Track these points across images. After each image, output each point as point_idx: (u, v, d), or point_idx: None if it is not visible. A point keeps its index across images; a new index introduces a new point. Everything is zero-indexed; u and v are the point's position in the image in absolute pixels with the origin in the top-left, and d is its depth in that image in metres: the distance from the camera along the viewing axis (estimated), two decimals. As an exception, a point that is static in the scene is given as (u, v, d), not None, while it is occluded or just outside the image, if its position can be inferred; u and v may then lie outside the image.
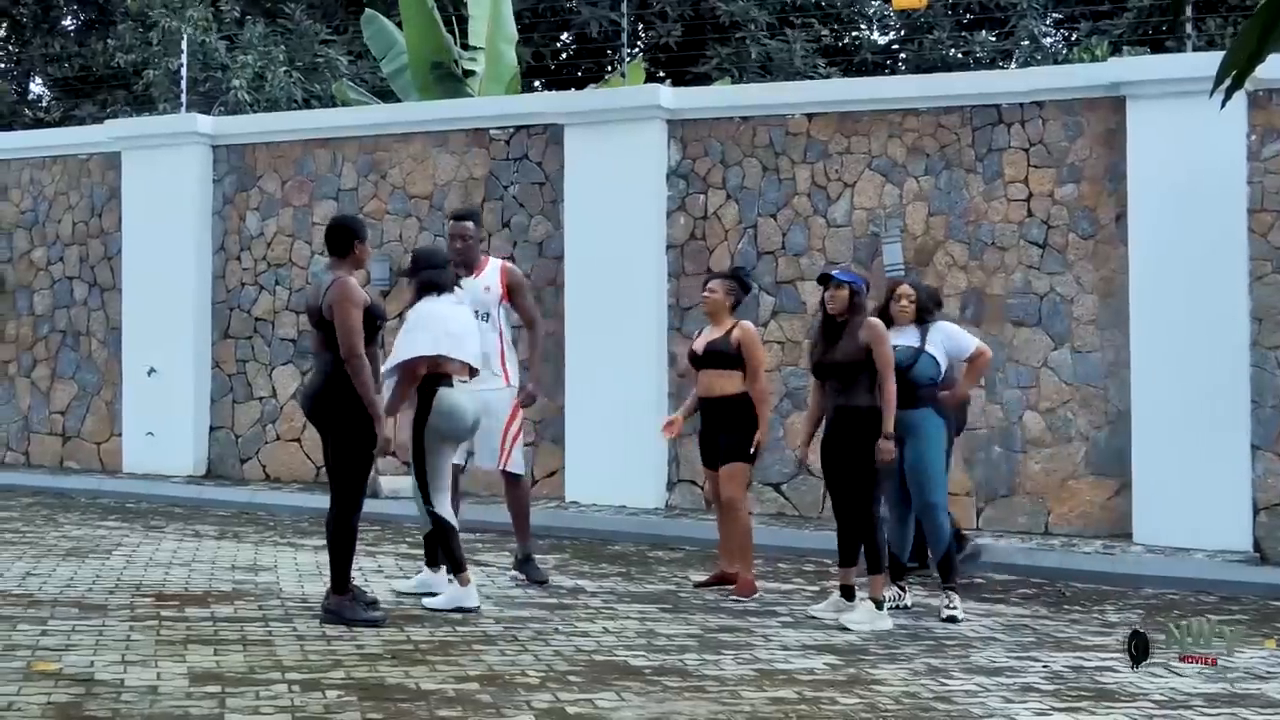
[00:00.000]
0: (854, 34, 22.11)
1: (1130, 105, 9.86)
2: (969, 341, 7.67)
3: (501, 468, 7.75)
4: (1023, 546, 9.48)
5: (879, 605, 6.99)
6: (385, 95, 17.89)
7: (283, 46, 19.35)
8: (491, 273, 7.81)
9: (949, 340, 7.55)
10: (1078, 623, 7.45)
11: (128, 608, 6.79)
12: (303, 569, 8.20)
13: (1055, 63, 18.46)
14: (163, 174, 13.12)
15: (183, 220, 13.03)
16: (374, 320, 6.55)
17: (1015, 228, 10.27)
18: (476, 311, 7.64)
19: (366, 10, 17.52)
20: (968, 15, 21.08)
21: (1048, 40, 20.44)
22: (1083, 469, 9.97)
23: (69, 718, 4.79)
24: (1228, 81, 3.36)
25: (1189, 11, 12.77)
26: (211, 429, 13.01)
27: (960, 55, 20.20)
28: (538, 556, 8.17)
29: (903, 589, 7.51)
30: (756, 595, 7.64)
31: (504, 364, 7.75)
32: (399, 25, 16.60)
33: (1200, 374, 9.47)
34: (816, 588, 8.09)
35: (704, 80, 18.61)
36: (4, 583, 7.39)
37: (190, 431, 12.88)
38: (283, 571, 8.09)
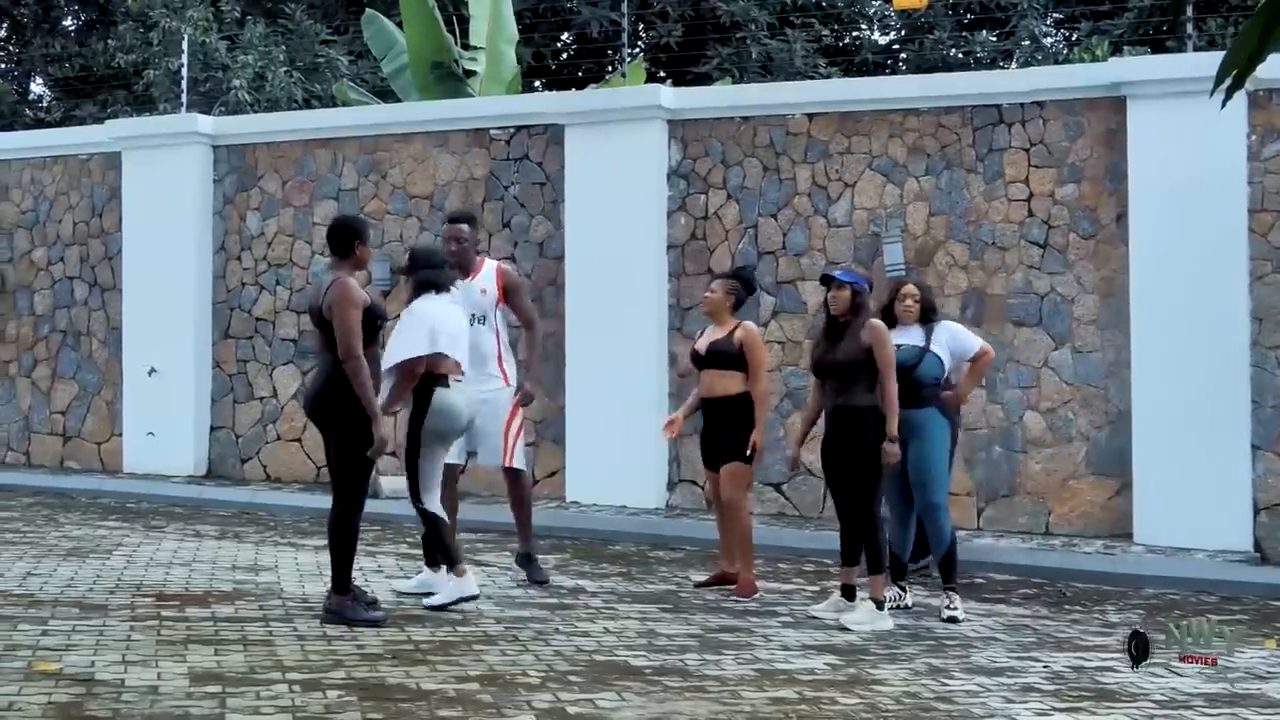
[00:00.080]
0: (854, 34, 22.12)
1: (1131, 105, 9.86)
2: (973, 341, 7.68)
3: (506, 464, 7.76)
4: (1023, 546, 9.48)
5: (879, 605, 6.98)
6: (386, 95, 17.90)
7: (283, 46, 19.35)
8: (488, 275, 7.82)
9: (954, 340, 7.56)
10: (1078, 623, 7.44)
11: (128, 608, 6.79)
12: (303, 569, 8.20)
13: (1056, 63, 18.47)
14: (163, 174, 13.12)
15: (183, 220, 13.03)
16: (374, 320, 6.55)
17: (1016, 228, 10.27)
18: (473, 315, 7.65)
19: (367, 10, 17.53)
20: (968, 15, 21.08)
21: (1048, 40, 20.44)
22: (1083, 469, 9.97)
23: (70, 717, 4.79)
24: (1228, 81, 3.36)
25: (1189, 11, 12.78)
26: (212, 429, 13.02)
27: (961, 55, 20.20)
28: (539, 556, 8.17)
29: (903, 589, 7.51)
30: (757, 595, 7.64)
31: (502, 365, 7.78)
32: (399, 25, 16.60)
33: (1201, 374, 9.47)
34: (817, 588, 8.08)
35: (704, 80, 18.62)
36: (5, 583, 7.39)
37: (191, 431, 12.88)
38: (283, 571, 8.09)
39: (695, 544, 9.46)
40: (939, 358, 7.41)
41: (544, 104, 12.47)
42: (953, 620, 7.18)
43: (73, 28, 24.06)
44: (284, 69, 18.70)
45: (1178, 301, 9.55)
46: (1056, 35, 21.04)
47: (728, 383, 7.64)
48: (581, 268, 11.33)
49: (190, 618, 6.59)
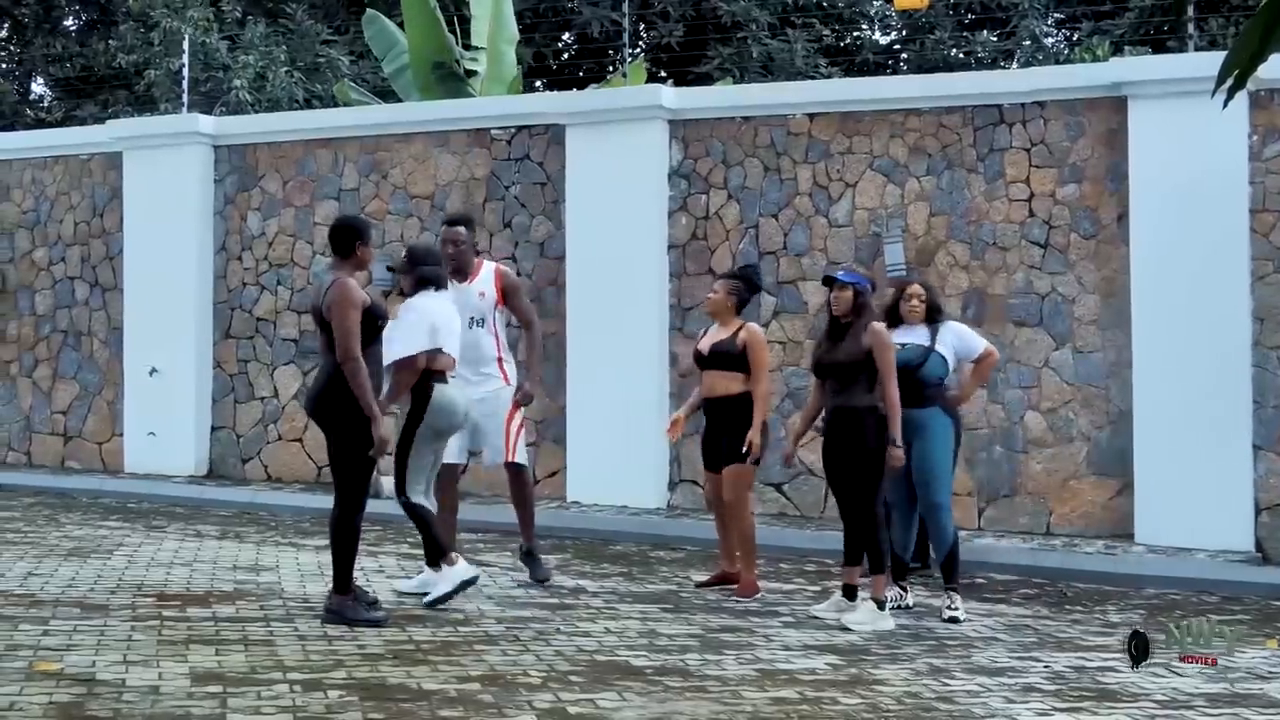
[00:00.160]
0: (855, 34, 22.14)
1: (1132, 105, 9.86)
2: (978, 342, 7.70)
3: (509, 460, 7.78)
4: (1024, 547, 9.48)
5: (881, 605, 6.98)
6: (386, 95, 17.91)
7: (284, 47, 19.37)
8: (486, 277, 7.82)
9: (959, 340, 7.57)
10: (1079, 623, 7.44)
11: (129, 608, 6.79)
12: (304, 569, 8.20)
13: (1057, 63, 18.48)
14: (164, 174, 13.12)
15: (184, 220, 13.03)
16: (375, 320, 6.55)
17: (1017, 228, 10.27)
18: (471, 318, 7.67)
19: (368, 10, 17.54)
20: (969, 15, 21.10)
21: (1049, 40, 20.46)
22: (1084, 469, 9.97)
23: (71, 717, 4.79)
24: (1230, 81, 3.36)
25: (1190, 11, 12.78)
26: (213, 429, 13.02)
27: (962, 55, 20.21)
28: (541, 556, 8.16)
29: (904, 589, 7.51)
30: (758, 595, 7.64)
31: (502, 365, 7.80)
32: (400, 25, 16.60)
33: (1202, 374, 9.47)
34: (818, 588, 8.08)
35: (705, 80, 18.63)
36: (6, 583, 7.39)
37: (192, 431, 12.89)
38: (284, 571, 8.09)
39: (696, 544, 9.46)
40: (944, 358, 7.42)
41: (545, 104, 12.47)
42: (954, 620, 7.18)
43: (74, 28, 24.08)
44: (285, 69, 18.72)
45: (1179, 302, 9.55)
46: (1057, 35, 21.05)
47: (730, 383, 7.63)
48: (582, 268, 11.33)
49: (191, 618, 6.59)
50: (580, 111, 11.69)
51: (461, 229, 7.86)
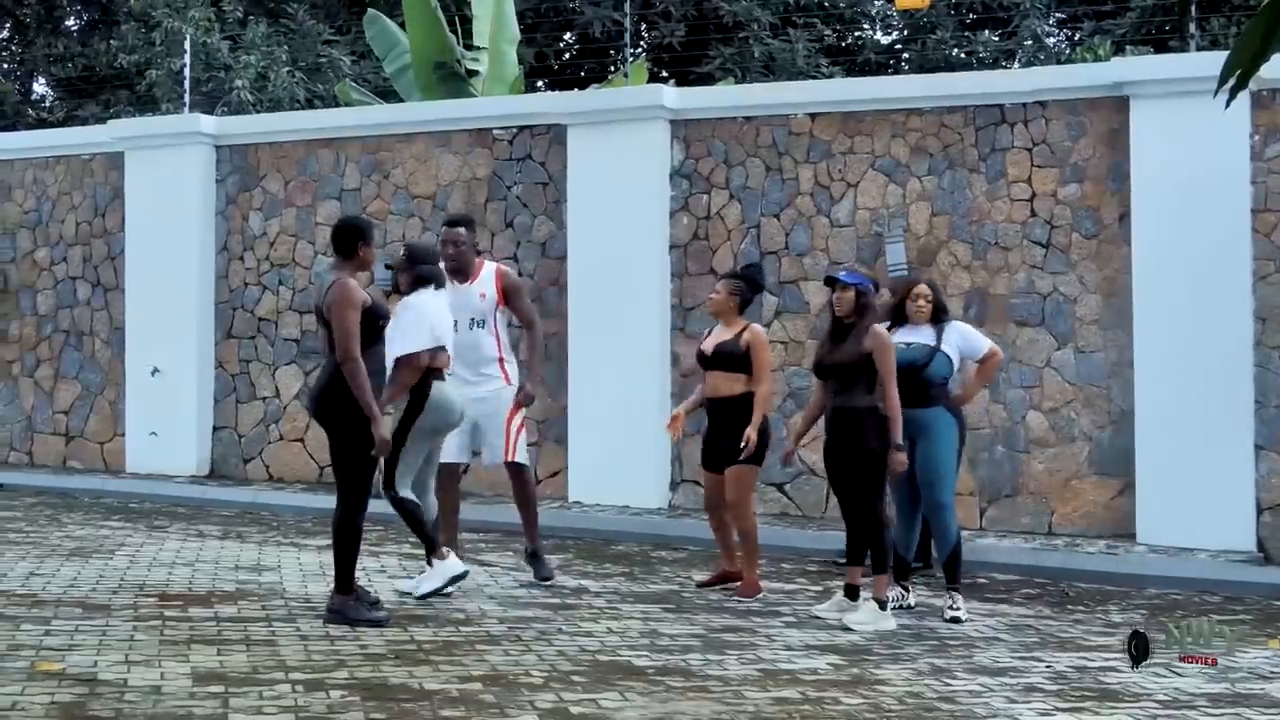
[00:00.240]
0: (857, 34, 22.13)
1: (1133, 105, 9.85)
2: (983, 342, 7.71)
3: (509, 459, 7.77)
4: (1026, 546, 9.48)
5: (882, 605, 6.98)
6: (388, 95, 17.91)
7: (285, 47, 19.37)
8: (487, 279, 7.81)
9: (964, 340, 7.57)
10: (1081, 623, 7.44)
11: (131, 608, 6.79)
12: (306, 569, 8.20)
13: (1058, 62, 18.47)
14: (166, 174, 13.12)
15: (186, 220, 13.03)
16: (376, 320, 6.55)
17: (1018, 227, 10.26)
18: (471, 319, 7.67)
19: (369, 10, 17.54)
20: (971, 15, 21.10)
21: (1051, 40, 20.45)
22: (1086, 469, 9.96)
23: (73, 717, 4.80)
24: (1232, 81, 3.35)
25: (1192, 11, 12.76)
26: (215, 429, 13.02)
27: (963, 55, 20.20)
28: (545, 556, 8.14)
29: (906, 589, 7.51)
30: (760, 595, 7.63)
31: (503, 366, 7.80)
32: (402, 25, 16.60)
33: (1204, 374, 9.47)
34: (820, 588, 8.08)
35: (707, 80, 18.62)
36: (8, 583, 7.39)
37: (193, 431, 12.89)
38: (286, 571, 8.10)
39: (698, 544, 9.46)
40: (949, 358, 7.42)
41: (546, 104, 12.47)
42: (956, 620, 7.18)
43: (75, 28, 24.08)
44: (286, 69, 18.72)
45: (1180, 301, 9.55)
46: (1059, 35, 21.04)
47: (733, 384, 7.61)
48: (584, 268, 11.33)
49: (193, 618, 6.59)
50: (582, 111, 11.69)
51: (462, 229, 7.86)
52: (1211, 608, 8.07)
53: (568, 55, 23.13)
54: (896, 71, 20.45)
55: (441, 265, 7.60)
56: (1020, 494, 10.13)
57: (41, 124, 22.25)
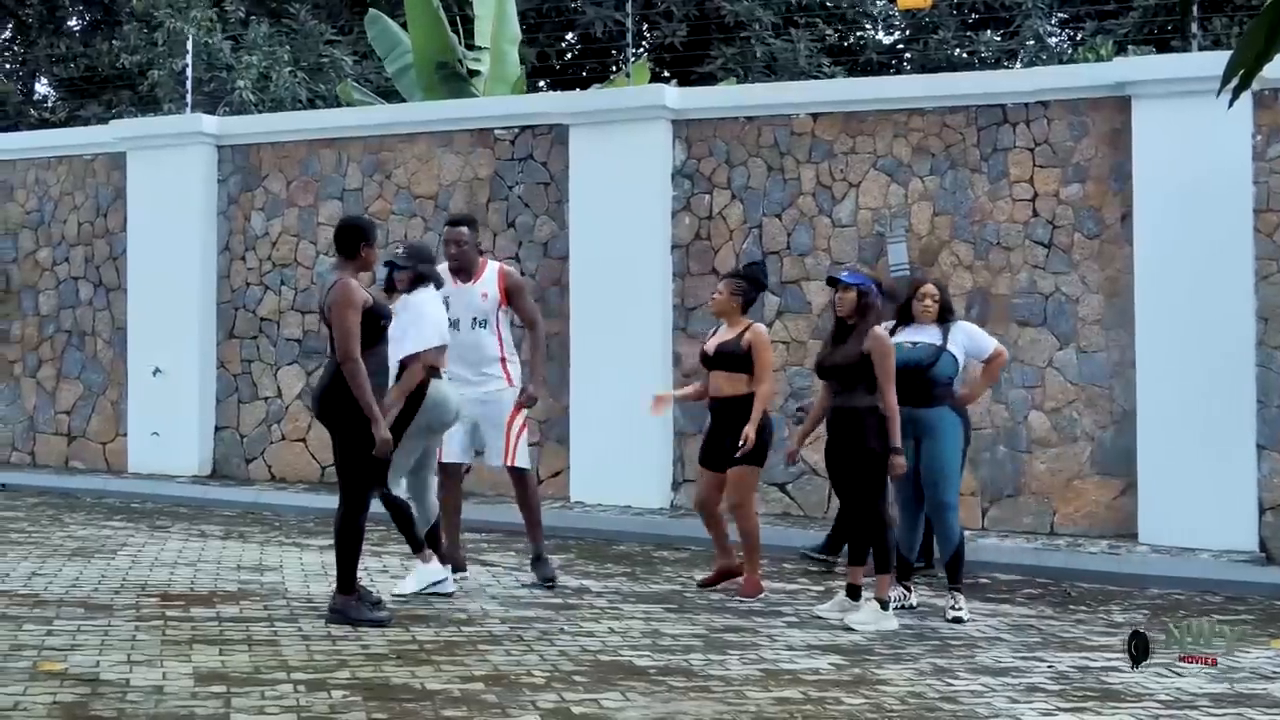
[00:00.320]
0: (859, 34, 22.13)
1: (1135, 105, 9.85)
2: (988, 342, 7.71)
3: (508, 464, 7.77)
4: (1028, 546, 9.48)
5: (884, 605, 6.98)
6: (390, 95, 17.91)
7: (287, 47, 19.37)
8: (489, 278, 7.79)
9: (969, 340, 7.57)
10: (1083, 623, 7.44)
11: (133, 608, 6.79)
12: (308, 569, 8.20)
13: (1060, 62, 18.46)
14: (168, 174, 13.13)
15: (188, 220, 13.03)
16: (378, 320, 6.54)
17: (1020, 227, 10.26)
18: (474, 318, 7.67)
19: (370, 10, 17.54)
20: (973, 15, 21.10)
21: (1053, 40, 20.44)
22: (1088, 469, 9.96)
23: (75, 717, 4.80)
24: (1235, 81, 3.35)
25: (1194, 11, 12.76)
26: (217, 429, 13.02)
27: (965, 55, 20.19)
28: (548, 557, 8.12)
29: (908, 589, 7.50)
30: (762, 595, 7.63)
31: (505, 366, 7.78)
32: (403, 26, 16.60)
33: (1206, 374, 9.47)
34: (821, 588, 8.08)
35: (709, 80, 18.62)
36: (10, 583, 7.40)
37: (195, 431, 12.89)
38: (288, 571, 8.10)
39: (700, 544, 9.42)
40: (954, 358, 7.41)
41: (548, 104, 12.47)
42: (958, 620, 7.17)
43: (77, 28, 24.09)
44: (288, 69, 18.72)
45: (1183, 301, 9.54)
46: (1061, 35, 21.03)
47: (735, 384, 7.60)
48: (586, 268, 11.33)
49: (195, 618, 6.59)
50: (584, 111, 11.70)
51: (464, 229, 7.84)
52: (1213, 608, 8.07)
53: (569, 55, 23.13)
54: (898, 71, 20.44)
55: (446, 264, 7.62)
56: (1022, 494, 10.12)
57: (44, 124, 22.25)
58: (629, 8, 14.97)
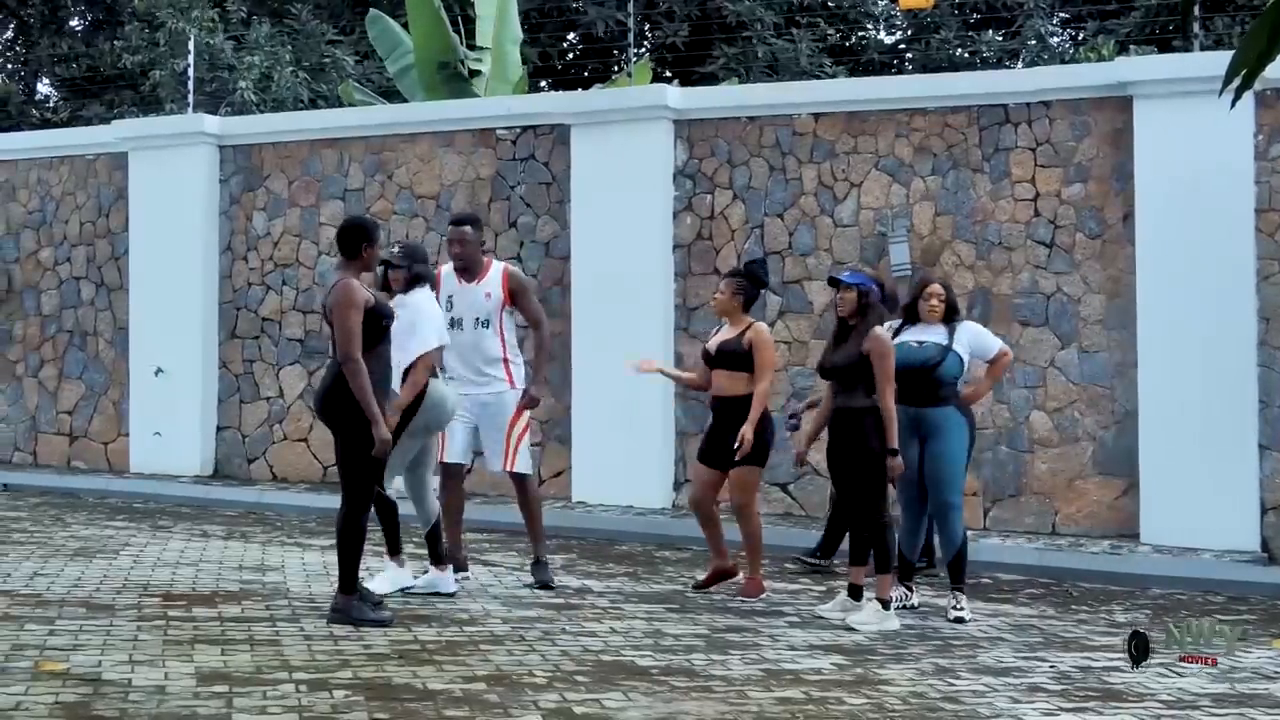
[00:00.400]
0: (860, 34, 22.12)
1: (1137, 105, 9.85)
2: (993, 343, 7.70)
3: (507, 469, 7.76)
4: (1030, 546, 9.47)
5: (886, 605, 6.97)
6: (391, 95, 17.91)
7: (289, 47, 19.37)
8: (494, 278, 7.77)
9: (975, 340, 7.56)
10: (1085, 623, 7.44)
11: (135, 607, 6.79)
12: (310, 569, 8.20)
13: (1062, 62, 18.45)
14: (170, 174, 13.14)
15: (190, 220, 13.04)
16: (380, 320, 6.54)
17: (1022, 227, 10.26)
18: (477, 318, 7.66)
19: (371, 10, 17.53)
20: (974, 15, 21.09)
21: (1054, 40, 20.44)
22: (1090, 469, 9.96)
23: (76, 717, 4.80)
24: (1237, 81, 3.35)
25: (1196, 11, 12.74)
26: (219, 429, 13.03)
27: (967, 55, 20.19)
28: (548, 558, 8.10)
29: (910, 589, 7.50)
30: (764, 595, 7.63)
31: (508, 367, 7.75)
32: (405, 26, 16.60)
33: (1207, 374, 9.47)
34: (823, 588, 8.08)
35: (711, 80, 18.61)
36: (12, 582, 7.40)
37: (197, 431, 12.90)
38: (290, 571, 8.10)
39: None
40: (960, 358, 7.40)
41: (550, 104, 12.47)
42: (959, 620, 7.17)
43: (79, 28, 24.10)
44: (290, 69, 18.72)
45: (1184, 301, 9.54)
46: (1063, 35, 21.03)
47: (736, 383, 7.57)
48: (587, 268, 11.33)
49: (197, 618, 6.59)
50: (585, 111, 11.70)
51: (468, 228, 7.82)
52: (1215, 608, 8.07)
53: (571, 55, 23.13)
54: (900, 71, 20.43)
55: (451, 263, 7.63)
56: (1024, 494, 10.12)
57: (46, 124, 22.26)
58: (630, 8, 14.97)
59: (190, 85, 15.55)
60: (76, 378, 13.69)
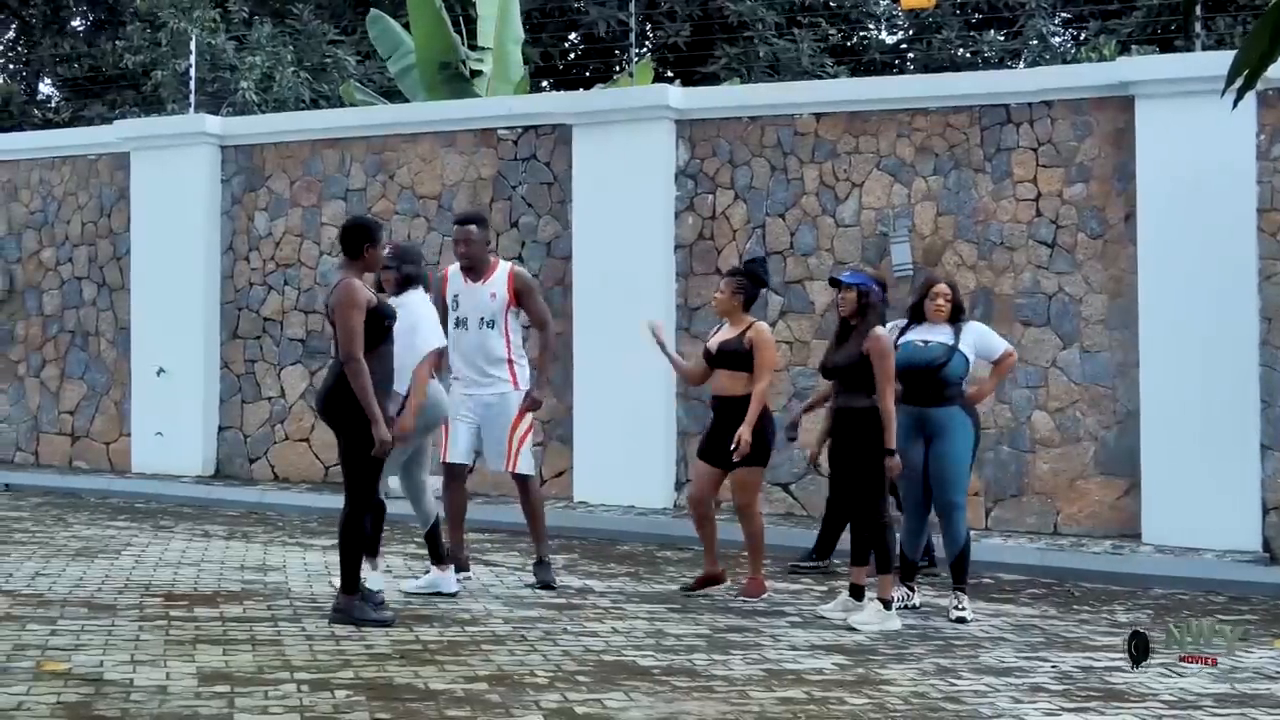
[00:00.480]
0: (862, 34, 22.11)
1: (1139, 105, 9.85)
2: (999, 343, 7.70)
3: (509, 470, 7.76)
4: (1032, 546, 9.47)
5: (887, 605, 6.97)
6: (393, 95, 17.91)
7: (290, 47, 19.37)
8: (499, 278, 7.75)
9: (980, 341, 7.55)
10: (1087, 623, 7.44)
11: (137, 607, 6.80)
12: (311, 569, 8.21)
13: (1064, 62, 18.44)
14: (171, 174, 13.14)
15: (191, 220, 13.04)
16: (382, 320, 6.53)
17: (1024, 227, 10.26)
18: (481, 318, 7.65)
19: (372, 10, 17.53)
20: (976, 15, 21.09)
21: (1056, 40, 20.44)
22: (1092, 469, 9.96)
23: (78, 717, 4.80)
24: (1239, 81, 3.35)
25: (1198, 10, 12.74)
26: (220, 429, 13.03)
27: (968, 55, 20.19)
28: (549, 558, 8.09)
29: (911, 589, 7.50)
30: (765, 595, 7.62)
31: (512, 368, 7.74)
32: (406, 26, 16.61)
33: (1209, 373, 9.46)
34: (825, 588, 8.08)
35: (712, 80, 18.61)
36: (13, 582, 7.40)
37: (199, 431, 12.90)
38: (291, 571, 8.10)
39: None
40: (966, 358, 7.39)
41: (552, 104, 12.47)
42: (961, 620, 7.17)
43: (81, 28, 24.11)
44: (291, 69, 18.72)
45: (1186, 301, 9.54)
46: (1064, 35, 21.02)
47: (737, 383, 7.54)
48: (589, 268, 11.33)
49: (199, 617, 6.59)
50: (587, 111, 11.70)
51: (474, 227, 7.80)
52: (1217, 608, 8.06)
53: (573, 55, 23.14)
54: (902, 71, 20.43)
55: (458, 264, 7.64)
56: (1026, 494, 10.12)
57: (47, 124, 22.28)
58: (632, 8, 14.99)
59: (192, 85, 15.55)
60: (78, 378, 13.70)
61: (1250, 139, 9.52)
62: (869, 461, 6.94)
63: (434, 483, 8.03)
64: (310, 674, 5.50)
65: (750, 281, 7.76)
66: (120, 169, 13.56)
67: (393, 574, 8.03)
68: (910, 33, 21.66)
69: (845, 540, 7.70)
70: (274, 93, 18.47)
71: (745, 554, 7.84)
